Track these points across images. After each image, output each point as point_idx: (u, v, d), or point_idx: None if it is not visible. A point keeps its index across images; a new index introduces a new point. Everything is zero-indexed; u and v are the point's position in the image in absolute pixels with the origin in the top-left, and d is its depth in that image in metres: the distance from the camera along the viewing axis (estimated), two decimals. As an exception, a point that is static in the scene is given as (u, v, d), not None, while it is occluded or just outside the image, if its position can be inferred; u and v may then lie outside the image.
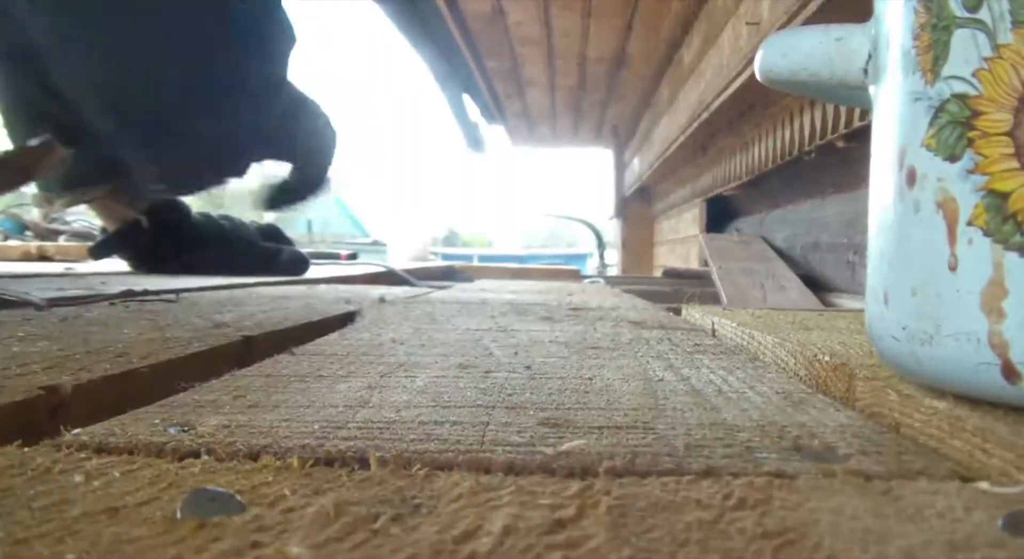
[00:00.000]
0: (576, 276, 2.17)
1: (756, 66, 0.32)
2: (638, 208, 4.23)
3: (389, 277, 1.36)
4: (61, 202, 1.09)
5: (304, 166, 1.14)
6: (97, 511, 0.15)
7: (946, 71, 0.23)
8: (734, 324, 0.47)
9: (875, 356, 0.32)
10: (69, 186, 1.08)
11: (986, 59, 0.22)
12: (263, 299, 0.64)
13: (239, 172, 1.10)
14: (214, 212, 1.30)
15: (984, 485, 0.18)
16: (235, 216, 1.34)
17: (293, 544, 0.13)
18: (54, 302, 0.54)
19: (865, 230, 0.28)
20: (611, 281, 1.92)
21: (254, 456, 0.19)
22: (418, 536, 0.14)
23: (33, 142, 0.96)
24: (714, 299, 1.45)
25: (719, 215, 2.53)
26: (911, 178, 0.24)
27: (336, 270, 1.52)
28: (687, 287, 1.73)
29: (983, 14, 0.22)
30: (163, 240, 1.15)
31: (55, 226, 2.29)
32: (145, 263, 1.18)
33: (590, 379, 0.30)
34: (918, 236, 0.24)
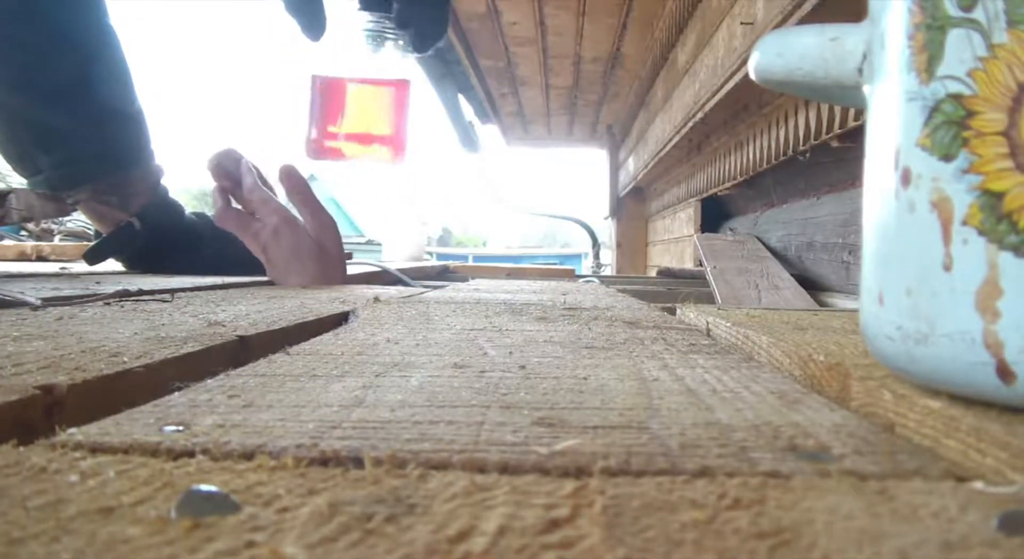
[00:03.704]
0: (571, 276, 2.17)
1: (751, 66, 0.32)
2: (633, 208, 4.24)
3: (384, 277, 1.35)
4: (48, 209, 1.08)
5: None
6: (92, 511, 0.15)
7: (941, 71, 0.23)
8: (729, 324, 0.47)
9: (870, 356, 0.32)
10: (53, 189, 1.08)
11: (981, 59, 0.22)
12: (258, 298, 0.64)
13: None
14: (209, 212, 1.29)
15: (979, 485, 0.18)
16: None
17: (288, 544, 0.13)
18: (49, 302, 0.54)
19: (859, 230, 0.28)
20: (606, 281, 1.92)
21: (249, 456, 0.19)
22: (413, 536, 0.14)
23: None
24: (709, 299, 1.46)
25: (714, 215, 2.54)
26: (906, 178, 0.24)
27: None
28: (682, 287, 1.74)
29: (978, 14, 0.22)
30: (157, 241, 1.15)
31: (50, 225, 2.29)
32: (140, 264, 1.18)
33: (585, 379, 0.30)
34: (913, 236, 0.24)
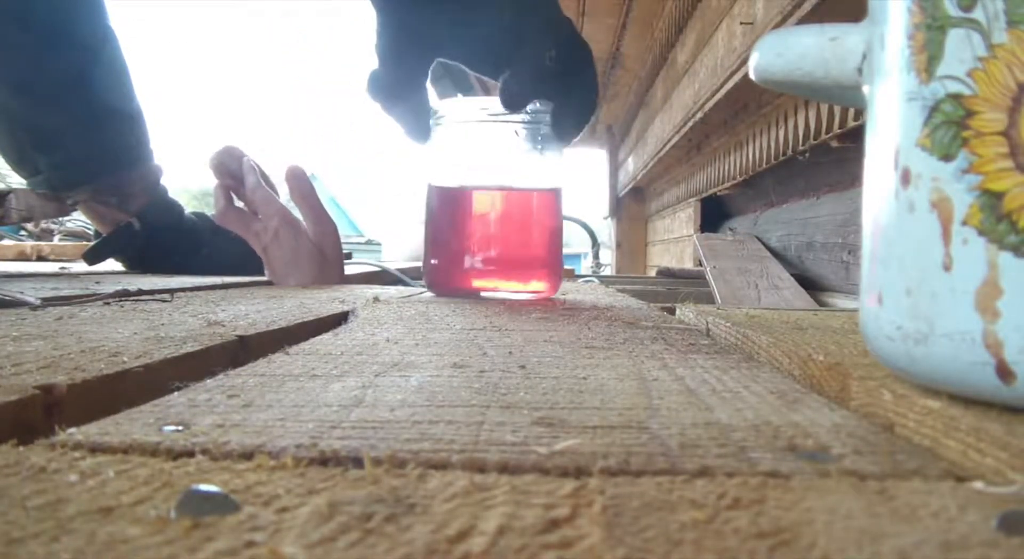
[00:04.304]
0: (570, 276, 2.17)
1: (750, 66, 0.32)
2: (632, 208, 4.24)
3: (383, 276, 1.35)
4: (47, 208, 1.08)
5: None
6: (91, 510, 0.15)
7: (941, 71, 0.23)
8: (728, 324, 0.47)
9: (869, 356, 0.32)
10: (52, 190, 1.08)
11: (981, 59, 0.22)
12: (257, 298, 0.64)
13: None
14: (209, 211, 1.29)
15: (978, 485, 0.18)
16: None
17: (287, 543, 0.13)
18: (49, 301, 0.54)
19: (859, 230, 0.28)
20: (605, 281, 1.92)
21: (248, 455, 0.19)
22: (412, 535, 0.14)
23: None
24: (708, 299, 1.46)
25: (713, 215, 2.54)
26: (905, 178, 0.24)
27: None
28: (681, 287, 1.74)
29: (977, 14, 0.22)
30: (157, 241, 1.15)
31: (50, 225, 2.29)
32: (139, 264, 1.18)
33: (584, 378, 0.30)
34: (913, 236, 0.24)
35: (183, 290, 0.71)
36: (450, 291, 0.73)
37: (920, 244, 0.24)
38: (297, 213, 0.95)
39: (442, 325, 0.48)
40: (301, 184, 0.94)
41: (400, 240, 3.82)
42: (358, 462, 0.18)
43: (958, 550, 0.14)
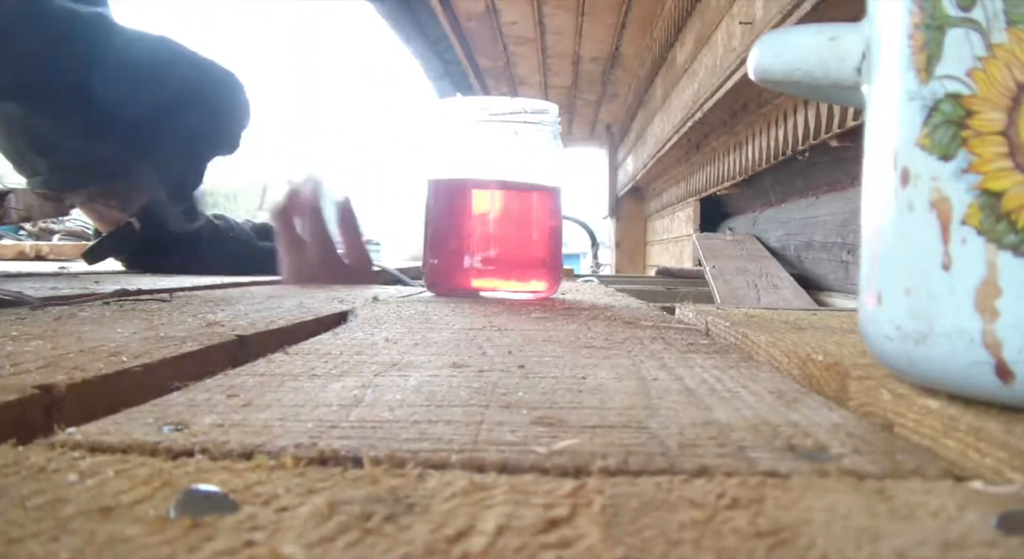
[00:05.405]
0: (570, 275, 2.17)
1: (750, 66, 0.32)
2: (632, 207, 4.24)
3: (383, 276, 1.35)
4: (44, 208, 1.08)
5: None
6: (91, 510, 0.15)
7: (940, 70, 0.23)
8: (728, 323, 0.47)
9: (868, 355, 0.32)
10: (52, 190, 1.08)
11: (980, 58, 0.22)
12: (256, 298, 0.64)
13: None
14: (207, 212, 1.29)
15: (978, 484, 0.18)
16: (229, 215, 1.33)
17: (286, 543, 0.13)
18: (48, 301, 0.54)
19: (858, 229, 0.28)
20: (605, 280, 1.92)
21: (247, 455, 0.19)
22: (411, 535, 0.14)
23: None
24: (708, 298, 1.46)
25: (712, 214, 2.54)
26: (905, 178, 0.24)
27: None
28: (681, 286, 1.74)
29: (977, 13, 0.22)
30: (156, 241, 1.15)
31: (49, 225, 2.28)
32: (139, 264, 1.18)
33: (583, 378, 0.30)
34: (912, 236, 0.24)
35: (182, 290, 0.71)
36: (449, 291, 0.74)
37: (919, 244, 0.24)
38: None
39: (441, 325, 0.48)
40: (350, 219, 0.94)
41: (400, 240, 3.82)
42: (357, 462, 0.18)
43: (957, 550, 0.14)
